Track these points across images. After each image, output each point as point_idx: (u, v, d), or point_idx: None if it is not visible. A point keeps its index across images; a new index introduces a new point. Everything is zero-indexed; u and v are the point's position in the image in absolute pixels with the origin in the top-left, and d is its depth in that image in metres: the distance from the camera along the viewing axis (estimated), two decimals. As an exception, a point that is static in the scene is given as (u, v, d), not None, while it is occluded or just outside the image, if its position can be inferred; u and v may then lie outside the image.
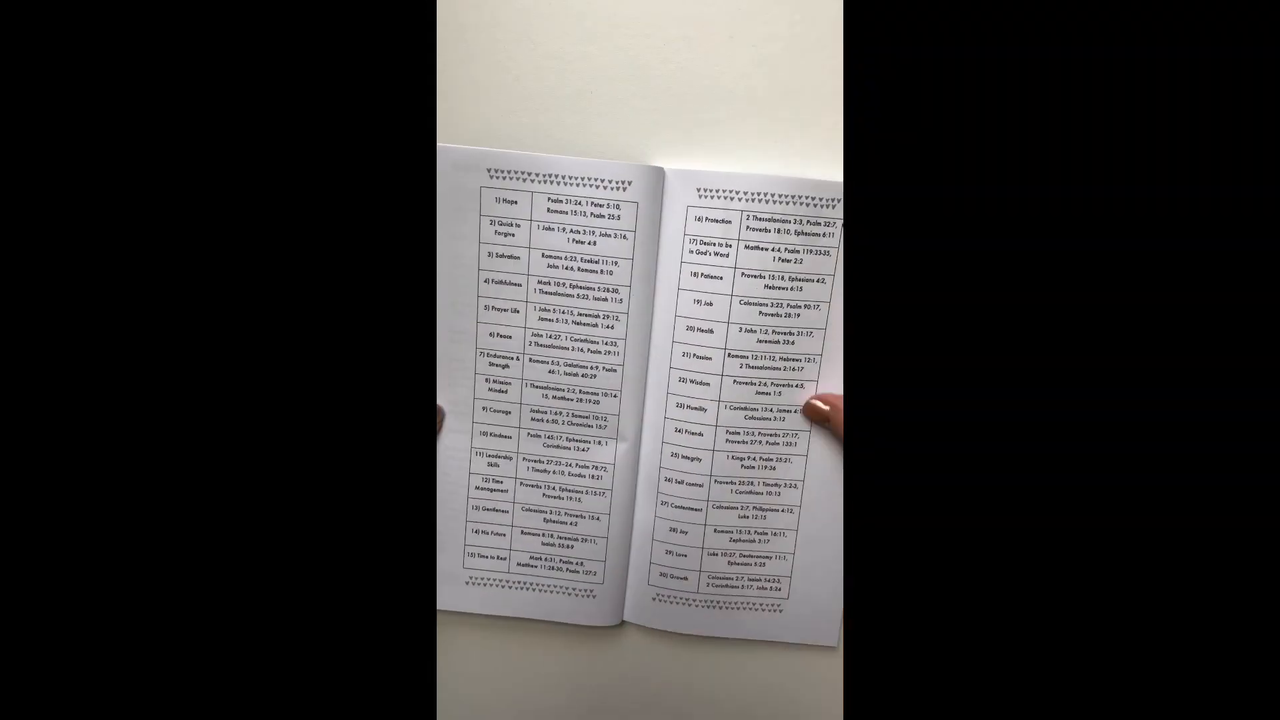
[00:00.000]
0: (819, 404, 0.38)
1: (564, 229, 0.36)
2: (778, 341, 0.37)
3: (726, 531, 0.40)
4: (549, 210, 0.36)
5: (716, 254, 0.36)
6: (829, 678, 0.42)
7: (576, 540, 0.40)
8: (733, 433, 0.38)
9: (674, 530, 0.40)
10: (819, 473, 0.39)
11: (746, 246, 0.36)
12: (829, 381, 0.38)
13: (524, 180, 0.36)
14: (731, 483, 0.39)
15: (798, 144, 0.36)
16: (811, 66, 0.36)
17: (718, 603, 0.40)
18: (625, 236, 0.36)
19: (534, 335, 0.38)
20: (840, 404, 0.38)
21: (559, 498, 0.40)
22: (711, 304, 0.37)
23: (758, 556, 0.40)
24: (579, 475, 0.39)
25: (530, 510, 0.40)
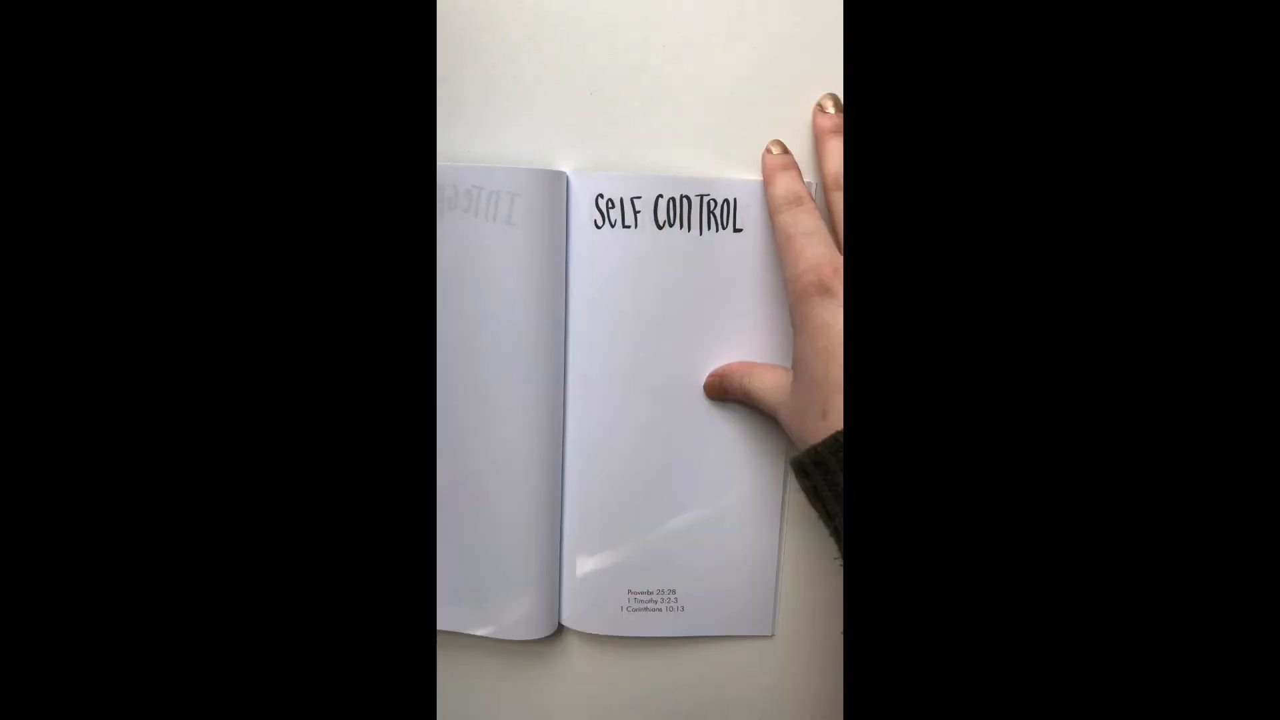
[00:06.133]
0: (712, 380, 0.38)
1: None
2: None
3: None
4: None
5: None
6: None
7: None
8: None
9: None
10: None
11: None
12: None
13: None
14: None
15: (800, 145, 0.36)
16: (812, 66, 0.36)
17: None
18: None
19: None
20: (729, 369, 0.38)
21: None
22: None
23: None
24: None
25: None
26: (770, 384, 0.36)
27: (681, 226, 0.36)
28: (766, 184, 0.36)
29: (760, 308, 0.37)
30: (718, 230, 0.36)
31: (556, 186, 0.36)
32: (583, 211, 0.36)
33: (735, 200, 0.36)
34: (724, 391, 0.38)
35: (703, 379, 0.38)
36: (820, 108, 0.36)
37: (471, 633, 0.40)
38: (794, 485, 0.39)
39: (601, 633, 0.40)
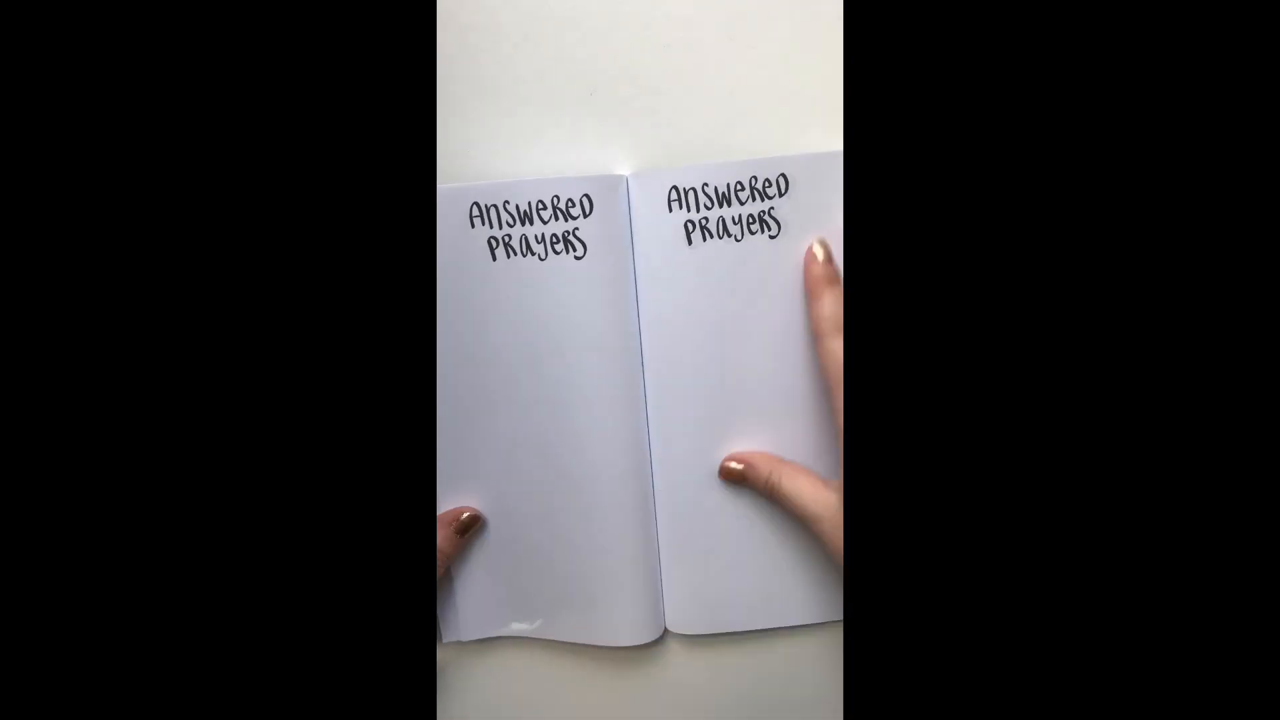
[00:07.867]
0: (733, 465, 0.37)
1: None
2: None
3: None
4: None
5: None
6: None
7: None
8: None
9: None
10: None
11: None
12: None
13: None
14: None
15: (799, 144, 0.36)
16: (812, 67, 0.36)
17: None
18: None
19: None
20: (754, 459, 0.37)
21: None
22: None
23: None
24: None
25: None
26: (809, 492, 0.35)
27: (761, 232, 0.36)
28: (810, 297, 0.35)
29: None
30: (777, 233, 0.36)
31: (617, 190, 0.36)
32: (652, 209, 0.36)
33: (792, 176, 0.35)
34: (744, 481, 0.37)
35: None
36: (812, 255, 0.36)
37: (583, 642, 0.41)
38: None
39: (702, 632, 0.40)
